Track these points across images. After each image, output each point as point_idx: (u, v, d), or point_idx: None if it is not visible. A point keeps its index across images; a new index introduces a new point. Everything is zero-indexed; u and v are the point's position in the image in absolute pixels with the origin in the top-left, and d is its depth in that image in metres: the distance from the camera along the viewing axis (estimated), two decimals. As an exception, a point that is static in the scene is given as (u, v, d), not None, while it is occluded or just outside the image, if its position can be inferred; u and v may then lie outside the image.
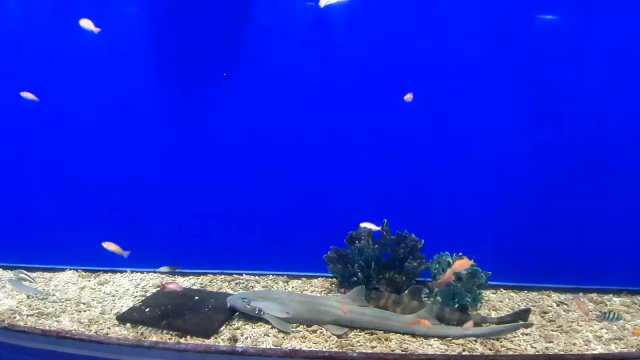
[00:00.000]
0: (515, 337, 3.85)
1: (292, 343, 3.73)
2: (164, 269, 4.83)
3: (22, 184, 5.25)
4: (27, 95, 4.45)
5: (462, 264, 3.80)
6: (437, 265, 4.50)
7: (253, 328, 3.98)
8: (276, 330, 3.90)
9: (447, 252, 4.54)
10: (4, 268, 5.34)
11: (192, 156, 5.07)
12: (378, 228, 4.42)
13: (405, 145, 4.79)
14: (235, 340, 3.75)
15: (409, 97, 4.22)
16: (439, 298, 4.27)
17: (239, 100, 4.92)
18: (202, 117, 4.99)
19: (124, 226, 5.18)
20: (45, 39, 4.87)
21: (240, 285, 4.96)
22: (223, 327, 3.98)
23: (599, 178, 4.63)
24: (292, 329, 3.91)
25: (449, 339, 3.79)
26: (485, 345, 3.72)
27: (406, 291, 4.24)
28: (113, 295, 4.69)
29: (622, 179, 4.62)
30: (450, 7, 4.53)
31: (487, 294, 4.71)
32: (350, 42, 4.70)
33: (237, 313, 4.15)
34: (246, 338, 3.80)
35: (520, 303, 4.58)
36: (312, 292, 4.79)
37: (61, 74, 4.96)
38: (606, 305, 4.52)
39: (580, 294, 4.74)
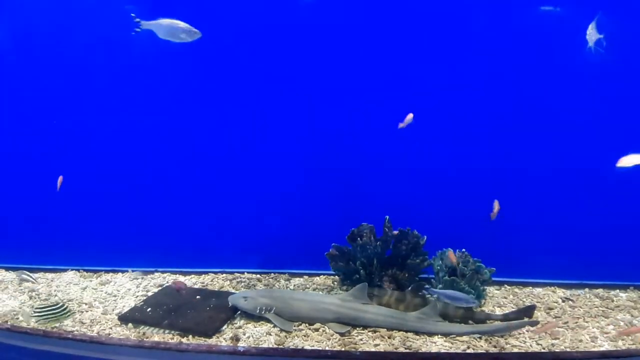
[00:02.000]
0: (521, 334, 3.80)
1: (295, 341, 3.70)
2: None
3: (22, 186, 5.25)
4: None
5: None
6: (440, 262, 4.46)
7: (255, 327, 3.95)
8: (278, 329, 3.88)
9: (449, 249, 4.49)
10: (7, 269, 5.35)
11: (193, 156, 5.04)
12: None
13: (407, 141, 4.75)
14: (237, 340, 3.72)
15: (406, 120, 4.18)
16: (442, 295, 4.23)
17: (237, 100, 4.89)
18: (206, 118, 4.96)
19: (125, 226, 5.18)
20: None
21: (242, 284, 4.94)
22: (225, 326, 3.96)
23: (603, 171, 4.56)
24: (294, 328, 3.89)
25: (453, 336, 3.76)
26: (490, 343, 3.68)
27: (409, 288, 4.21)
28: (115, 295, 4.67)
29: (625, 172, 4.55)
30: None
31: (491, 290, 4.67)
32: (369, 39, 4.66)
33: (239, 312, 4.13)
34: (248, 337, 3.77)
35: (525, 299, 4.53)
36: (314, 290, 4.76)
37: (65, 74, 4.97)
38: (613, 301, 4.47)
39: (586, 289, 4.70)
